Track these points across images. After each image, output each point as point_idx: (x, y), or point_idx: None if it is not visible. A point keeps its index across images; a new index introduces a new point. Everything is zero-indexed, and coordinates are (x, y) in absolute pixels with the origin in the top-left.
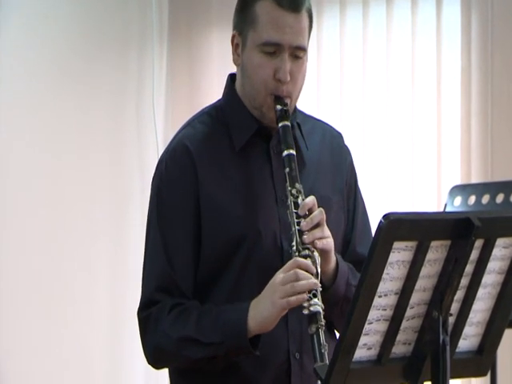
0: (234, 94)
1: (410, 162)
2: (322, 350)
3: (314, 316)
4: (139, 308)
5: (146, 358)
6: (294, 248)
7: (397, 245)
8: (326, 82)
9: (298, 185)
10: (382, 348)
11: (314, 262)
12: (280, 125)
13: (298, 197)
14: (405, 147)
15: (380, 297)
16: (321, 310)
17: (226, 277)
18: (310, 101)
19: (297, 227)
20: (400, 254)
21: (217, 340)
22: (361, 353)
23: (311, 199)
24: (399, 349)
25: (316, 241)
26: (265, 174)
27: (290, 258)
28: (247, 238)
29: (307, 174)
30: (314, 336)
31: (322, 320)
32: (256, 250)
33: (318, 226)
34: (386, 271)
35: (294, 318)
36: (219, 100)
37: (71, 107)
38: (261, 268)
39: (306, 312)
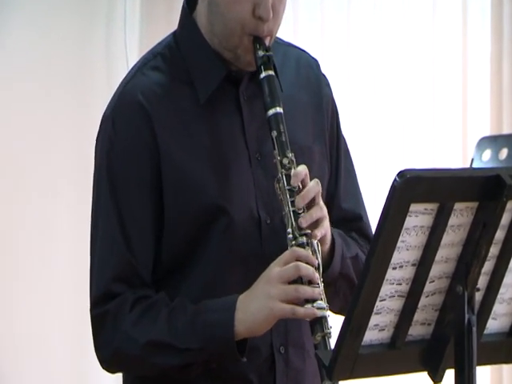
0: (193, 28)
1: (431, 110)
2: None
3: (318, 322)
4: (92, 303)
5: (101, 362)
6: (291, 235)
7: (414, 207)
8: (332, 21)
9: (289, 153)
10: (396, 329)
11: (314, 252)
12: (263, 75)
13: (290, 168)
14: (425, 92)
15: (394, 269)
16: (327, 315)
17: (196, 259)
18: (316, 45)
19: (291, 208)
20: (418, 219)
21: (195, 346)
22: (371, 335)
23: (303, 168)
24: (417, 330)
25: (315, 232)
26: (235, 129)
27: (270, 231)
28: (219, 209)
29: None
30: (320, 346)
31: (329, 326)
32: (229, 222)
33: (313, 202)
34: (401, 238)
35: None
36: (173, 33)
37: (29, 32)
38: (236, 243)
39: (308, 318)
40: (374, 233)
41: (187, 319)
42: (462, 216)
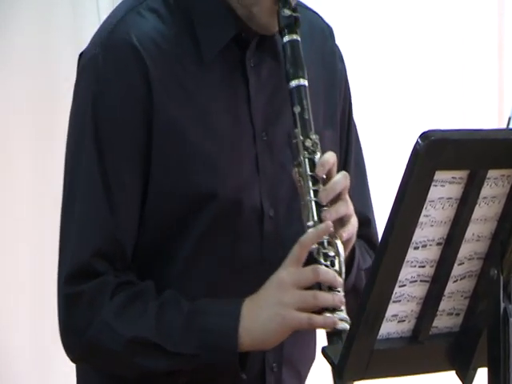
0: None
1: (461, 60)
2: None
3: (337, 335)
4: (63, 280)
5: (68, 351)
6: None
7: (440, 175)
8: None
9: (313, 134)
10: (418, 320)
11: (338, 255)
12: (286, 39)
13: (313, 152)
14: (455, 39)
15: (416, 248)
16: (348, 327)
17: (178, 248)
18: None
19: (313, 198)
20: (444, 189)
21: (189, 351)
22: (389, 327)
23: (331, 155)
24: (443, 321)
25: (341, 232)
26: (239, 100)
27: (273, 226)
28: (218, 196)
29: None
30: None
31: None
32: (229, 214)
33: (339, 197)
34: (424, 212)
35: None
36: None
37: None
38: (232, 240)
39: (328, 329)
40: (392, 206)
41: (181, 319)
42: (496, 186)
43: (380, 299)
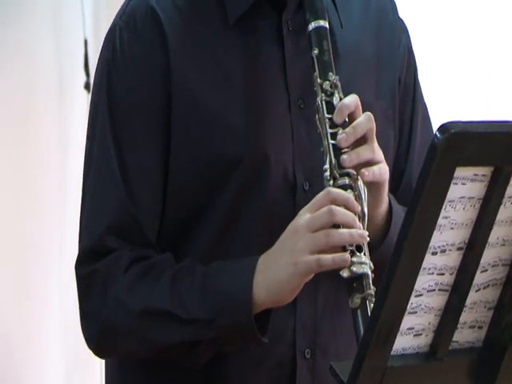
0: None
1: (484, 42)
2: None
3: (358, 281)
4: (78, 260)
5: (87, 341)
6: (328, 173)
7: (461, 172)
8: None
9: (332, 75)
10: (437, 334)
11: (358, 197)
12: None
13: (332, 94)
14: (474, 25)
15: (434, 254)
16: (369, 272)
17: (206, 222)
18: None
19: (331, 142)
20: (466, 187)
21: (204, 316)
22: (404, 341)
23: (353, 99)
24: (464, 335)
25: (363, 170)
26: (273, 65)
27: (307, 200)
28: (245, 162)
29: (340, 67)
30: (358, 312)
31: (371, 287)
32: (257, 182)
33: (364, 141)
34: (443, 214)
35: (306, 296)
36: None
37: None
38: (261, 211)
39: (345, 274)
40: (408, 206)
41: (195, 283)
42: None
43: (394, 310)
